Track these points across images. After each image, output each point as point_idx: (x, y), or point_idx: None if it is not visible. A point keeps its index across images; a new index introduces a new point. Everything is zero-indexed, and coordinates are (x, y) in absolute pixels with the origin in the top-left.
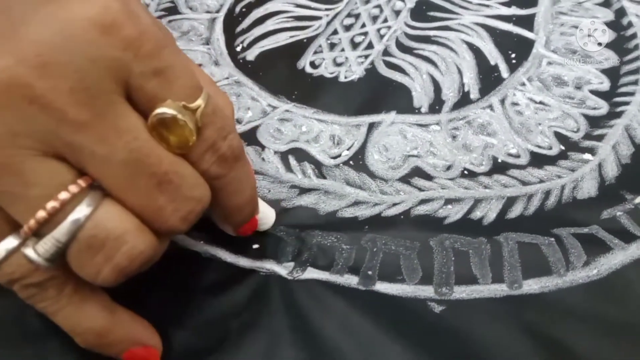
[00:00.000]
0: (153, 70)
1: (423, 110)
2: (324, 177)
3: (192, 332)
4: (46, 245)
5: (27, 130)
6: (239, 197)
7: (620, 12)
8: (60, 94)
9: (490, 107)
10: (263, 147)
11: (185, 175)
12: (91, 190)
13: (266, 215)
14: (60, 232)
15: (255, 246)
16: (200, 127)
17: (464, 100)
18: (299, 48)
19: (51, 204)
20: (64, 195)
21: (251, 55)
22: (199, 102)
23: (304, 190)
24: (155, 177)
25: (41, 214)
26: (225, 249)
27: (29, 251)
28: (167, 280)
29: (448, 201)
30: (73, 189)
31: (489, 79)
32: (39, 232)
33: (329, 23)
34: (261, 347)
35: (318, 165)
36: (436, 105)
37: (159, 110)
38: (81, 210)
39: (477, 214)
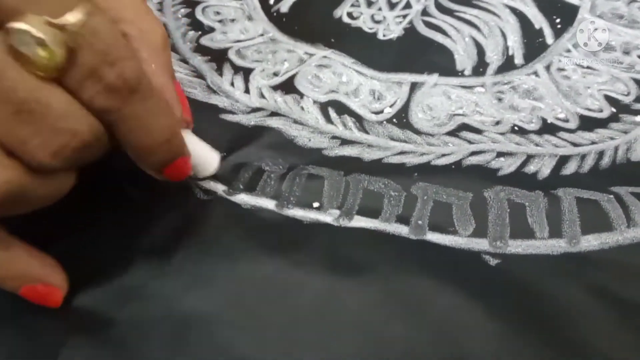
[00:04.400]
0: None
1: (466, 73)
2: (367, 133)
3: (233, 283)
4: None
5: None
6: (144, 136)
7: None
8: None
9: (535, 73)
10: (302, 95)
11: (53, 104)
12: None
13: (205, 160)
14: None
15: (299, 193)
16: (73, 49)
17: (508, 64)
18: None
19: None
20: None
21: (285, 6)
22: (71, 17)
23: (346, 142)
24: (11, 104)
25: None
26: (265, 197)
27: None
28: (201, 231)
29: (500, 154)
30: None
31: (534, 44)
32: None
33: None
34: (310, 296)
35: (359, 119)
36: (480, 68)
37: (12, 25)
38: None
39: (530, 168)
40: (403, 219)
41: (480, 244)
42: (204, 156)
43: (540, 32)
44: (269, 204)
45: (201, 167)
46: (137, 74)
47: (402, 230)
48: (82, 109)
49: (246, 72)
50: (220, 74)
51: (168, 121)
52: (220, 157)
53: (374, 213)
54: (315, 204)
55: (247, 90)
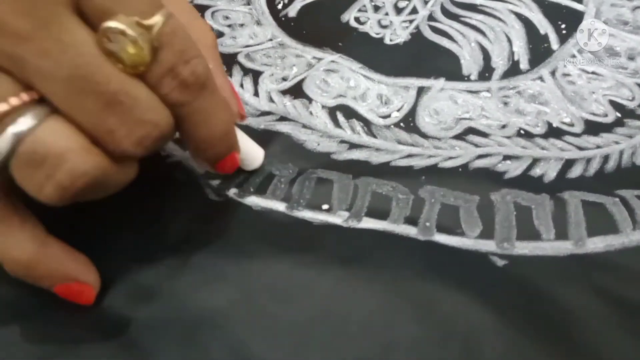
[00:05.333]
0: None
1: (472, 77)
2: (375, 137)
3: (244, 284)
4: None
5: None
6: (207, 129)
7: None
8: (1, 3)
9: (541, 78)
10: (310, 100)
11: (139, 97)
12: (37, 105)
13: (252, 155)
14: (0, 144)
15: (308, 196)
16: (156, 47)
17: (513, 69)
18: (341, 2)
19: None
20: (3, 107)
21: (293, 11)
22: (156, 19)
23: (354, 146)
24: (103, 96)
25: None
26: (276, 200)
27: None
28: (213, 232)
29: (506, 157)
30: (14, 101)
31: (539, 49)
32: None
33: None
34: (319, 296)
35: (367, 124)
36: (486, 73)
37: (107, 24)
38: (23, 124)
39: (536, 171)
40: (411, 221)
41: (488, 246)
42: (252, 151)
43: (545, 38)
44: (280, 206)
45: (249, 161)
46: (206, 71)
47: (411, 231)
48: (160, 102)
49: (255, 75)
50: (230, 75)
51: (227, 116)
52: (264, 153)
53: (382, 215)
54: (325, 206)
55: (256, 93)
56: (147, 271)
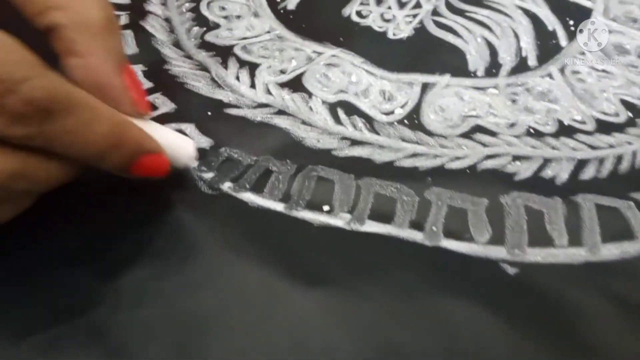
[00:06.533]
0: None
1: (479, 74)
2: (377, 134)
3: (237, 284)
4: None
5: None
6: (82, 149)
7: None
8: None
9: (550, 75)
10: (310, 95)
11: None
12: None
13: (176, 151)
14: None
15: (308, 197)
16: None
17: (521, 65)
18: None
19: None
20: None
21: (292, 3)
22: None
23: (356, 142)
24: None
25: None
26: (273, 200)
27: None
28: (205, 228)
29: (516, 158)
30: None
31: (547, 45)
32: None
33: None
34: (320, 300)
35: (369, 120)
36: (493, 69)
37: None
38: None
39: (548, 172)
40: (417, 225)
41: (498, 252)
42: (174, 146)
43: (553, 34)
44: (278, 206)
45: (172, 158)
46: (48, 92)
47: (416, 236)
48: None
49: (252, 67)
50: (225, 67)
51: (106, 127)
52: (195, 143)
53: (386, 218)
54: (326, 207)
55: (252, 85)
56: (135, 270)
